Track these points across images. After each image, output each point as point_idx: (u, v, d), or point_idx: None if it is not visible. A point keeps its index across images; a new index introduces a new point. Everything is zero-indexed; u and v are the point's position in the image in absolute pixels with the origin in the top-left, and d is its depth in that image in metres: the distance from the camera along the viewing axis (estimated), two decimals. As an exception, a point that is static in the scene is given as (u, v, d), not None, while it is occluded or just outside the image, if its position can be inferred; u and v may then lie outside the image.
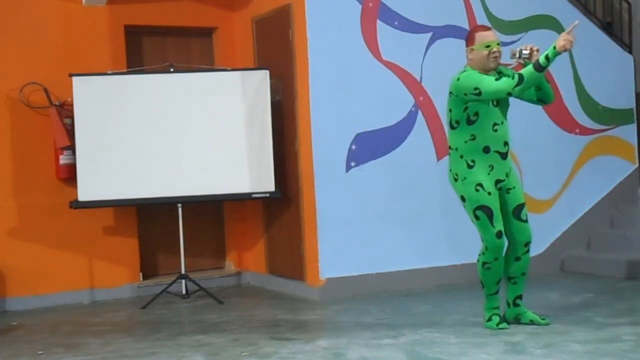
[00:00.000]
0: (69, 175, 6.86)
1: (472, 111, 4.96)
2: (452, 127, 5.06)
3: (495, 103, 4.99)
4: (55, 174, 6.97)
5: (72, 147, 6.77)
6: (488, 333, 5.01)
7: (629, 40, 8.33)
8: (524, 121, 7.40)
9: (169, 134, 6.77)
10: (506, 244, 5.09)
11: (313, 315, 6.02)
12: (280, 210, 7.20)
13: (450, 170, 5.11)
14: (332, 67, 6.61)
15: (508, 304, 5.24)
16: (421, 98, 6.92)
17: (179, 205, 6.89)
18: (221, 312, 6.26)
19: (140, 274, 7.34)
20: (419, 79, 6.93)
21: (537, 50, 4.97)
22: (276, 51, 7.06)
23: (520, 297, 5.23)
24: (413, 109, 6.87)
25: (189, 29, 7.70)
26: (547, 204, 7.49)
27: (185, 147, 6.78)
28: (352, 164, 6.67)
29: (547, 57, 4.70)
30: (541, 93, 5.11)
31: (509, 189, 5.09)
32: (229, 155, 6.84)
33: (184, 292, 6.97)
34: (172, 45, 7.70)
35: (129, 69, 7.15)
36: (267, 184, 6.84)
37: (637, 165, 7.97)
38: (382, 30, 6.78)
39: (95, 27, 7.18)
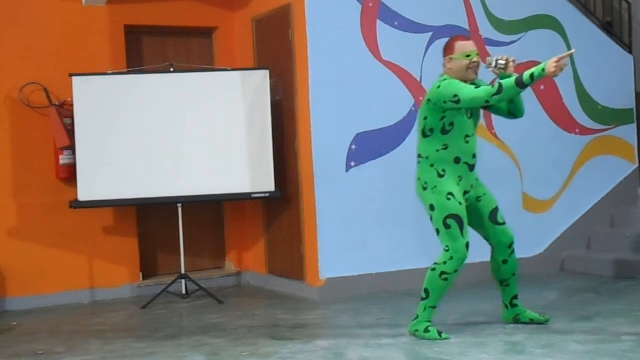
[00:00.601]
0: (69, 175, 6.86)
1: (448, 121, 4.91)
2: (424, 135, 5.00)
3: (469, 115, 4.96)
4: (55, 174, 6.97)
5: (72, 147, 6.77)
6: (488, 333, 5.01)
7: (629, 40, 8.33)
8: (524, 121, 7.36)
9: (169, 134, 6.77)
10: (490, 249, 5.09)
11: (313, 315, 6.02)
12: (280, 210, 7.20)
13: (419, 179, 5.04)
14: (332, 67, 6.61)
15: (506, 306, 5.23)
16: (421, 98, 6.91)
17: (179, 205, 6.89)
18: (221, 312, 6.26)
19: (140, 273, 7.34)
20: (419, 79, 6.93)
21: (513, 61, 4.91)
22: (276, 51, 7.06)
23: (516, 297, 5.21)
24: (413, 108, 6.87)
25: (189, 29, 7.70)
26: (547, 204, 7.49)
27: (185, 147, 6.78)
28: (352, 164, 6.67)
29: (532, 76, 4.61)
30: (513, 106, 5.03)
31: (479, 197, 5.07)
32: (228, 155, 6.84)
33: (184, 292, 6.97)
34: (172, 45, 7.70)
35: (129, 69, 7.15)
36: (267, 183, 6.84)
37: (637, 165, 7.98)
38: (382, 30, 6.78)
39: (95, 27, 7.19)
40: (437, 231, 4.95)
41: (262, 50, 7.38)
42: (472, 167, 5.02)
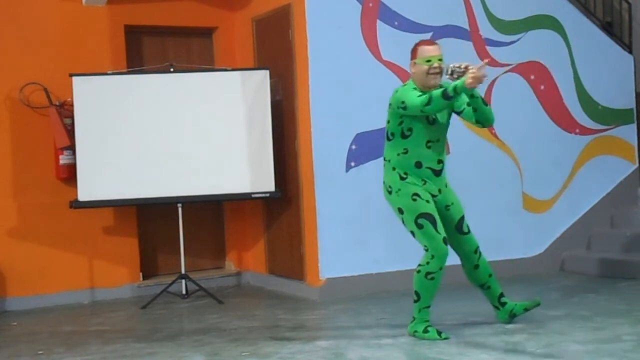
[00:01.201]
0: (69, 175, 6.86)
1: (406, 126, 4.91)
2: (388, 138, 5.01)
3: (431, 121, 4.91)
4: (55, 174, 6.97)
5: (72, 147, 6.77)
6: (488, 333, 5.00)
7: (629, 40, 8.33)
8: (524, 121, 7.42)
9: (169, 134, 6.77)
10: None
11: (313, 315, 6.02)
12: (280, 210, 7.20)
13: (384, 183, 5.05)
14: (332, 67, 6.61)
15: (496, 307, 5.23)
16: (421, 98, 6.91)
17: (179, 205, 6.89)
18: (221, 312, 6.26)
19: (140, 273, 7.34)
20: (419, 79, 6.92)
21: (471, 68, 4.69)
22: (276, 51, 7.06)
23: (501, 295, 5.21)
24: (413, 109, 6.86)
25: (189, 29, 7.70)
26: (547, 204, 7.49)
27: (185, 147, 6.78)
28: (352, 164, 6.67)
29: (455, 89, 4.60)
30: (479, 115, 4.93)
31: (447, 205, 5.03)
32: (228, 155, 6.84)
33: (184, 292, 6.97)
34: (172, 45, 7.70)
35: (129, 69, 7.15)
36: (267, 183, 6.84)
37: (637, 165, 7.97)
38: (382, 30, 6.78)
39: (95, 27, 7.19)
40: (412, 233, 4.96)
41: (262, 50, 7.38)
42: (437, 172, 4.98)
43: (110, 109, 6.72)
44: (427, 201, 4.90)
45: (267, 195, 6.87)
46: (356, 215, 6.66)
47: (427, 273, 4.86)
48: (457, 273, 6.89)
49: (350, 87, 6.65)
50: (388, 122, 5.00)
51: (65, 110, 6.89)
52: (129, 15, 7.32)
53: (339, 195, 6.61)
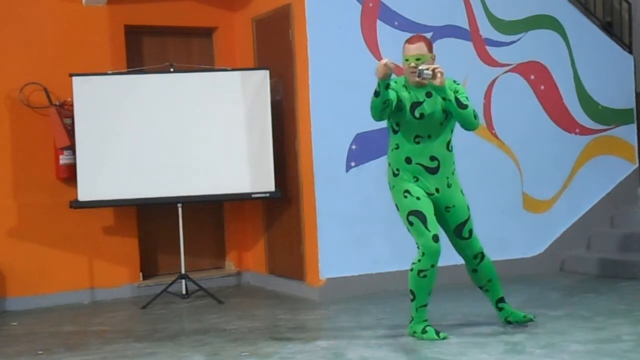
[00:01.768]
0: (69, 175, 6.86)
1: (394, 121, 4.94)
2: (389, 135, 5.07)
3: (417, 115, 4.87)
4: (55, 174, 6.97)
5: (72, 147, 6.77)
6: (488, 333, 5.00)
7: (629, 40, 8.34)
8: (524, 121, 7.42)
9: (169, 134, 6.77)
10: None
11: (313, 315, 6.02)
12: (280, 210, 7.20)
13: (388, 179, 5.09)
14: (332, 67, 6.61)
15: (496, 308, 5.23)
16: (421, 98, 6.91)
17: (179, 205, 6.89)
18: (221, 312, 6.26)
19: (140, 274, 7.35)
20: (419, 79, 6.92)
21: (441, 72, 4.71)
22: (276, 51, 7.06)
23: (500, 299, 5.17)
24: (413, 109, 6.86)
25: (189, 29, 7.70)
26: (547, 204, 7.49)
27: (185, 147, 6.78)
28: (352, 164, 6.67)
29: (378, 84, 4.65)
30: (460, 120, 4.86)
31: (447, 207, 4.96)
32: (228, 155, 6.84)
33: (184, 292, 6.97)
34: (172, 45, 7.70)
35: (129, 69, 7.15)
36: (267, 183, 6.84)
37: (637, 165, 7.98)
38: (382, 30, 6.78)
39: (95, 27, 7.19)
40: (408, 230, 4.95)
41: (262, 50, 7.38)
42: (431, 170, 4.89)
43: (110, 109, 6.72)
44: (418, 198, 4.84)
45: (267, 195, 6.87)
46: (356, 215, 6.66)
47: (419, 271, 4.82)
48: (457, 273, 6.91)
49: (350, 87, 6.64)
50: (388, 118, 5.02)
51: (65, 110, 6.89)
52: (129, 15, 7.32)
53: (339, 195, 6.61)
